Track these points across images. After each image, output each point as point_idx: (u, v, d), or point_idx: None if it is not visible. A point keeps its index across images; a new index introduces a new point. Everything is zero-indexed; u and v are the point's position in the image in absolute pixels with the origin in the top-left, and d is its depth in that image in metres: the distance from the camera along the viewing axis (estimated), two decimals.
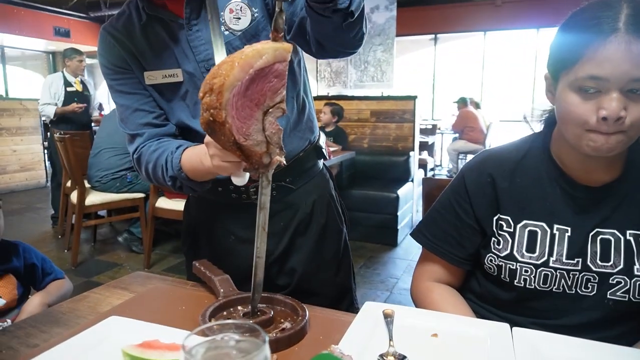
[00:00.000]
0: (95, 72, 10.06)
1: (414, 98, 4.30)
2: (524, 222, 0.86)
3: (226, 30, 0.91)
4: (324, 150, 1.11)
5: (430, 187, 1.31)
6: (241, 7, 0.90)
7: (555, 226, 0.85)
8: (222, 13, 0.90)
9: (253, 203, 0.80)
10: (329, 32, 0.78)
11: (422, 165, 5.21)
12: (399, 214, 3.88)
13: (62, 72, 4.33)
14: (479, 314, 0.93)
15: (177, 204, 3.05)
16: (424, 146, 5.50)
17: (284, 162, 0.72)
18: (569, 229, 0.84)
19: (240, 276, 0.97)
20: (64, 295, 1.14)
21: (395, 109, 4.35)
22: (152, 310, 0.85)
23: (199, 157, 0.86)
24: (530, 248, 0.86)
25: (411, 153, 4.30)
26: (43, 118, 4.24)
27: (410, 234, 1.01)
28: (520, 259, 0.86)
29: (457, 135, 7.12)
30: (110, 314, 0.79)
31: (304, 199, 1.05)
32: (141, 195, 3.41)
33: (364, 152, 4.41)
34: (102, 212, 4.18)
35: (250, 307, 0.80)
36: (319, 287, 1.06)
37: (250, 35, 0.91)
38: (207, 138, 0.75)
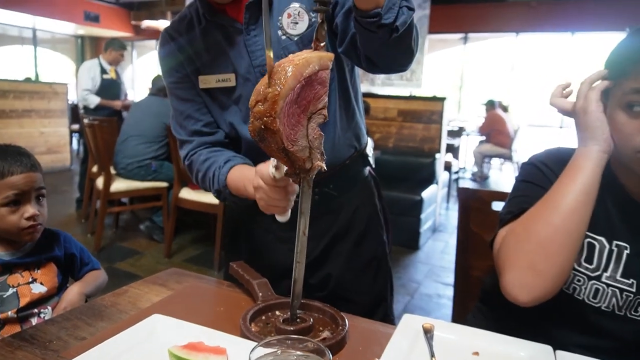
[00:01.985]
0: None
1: (442, 100, 4.26)
2: (586, 232, 0.84)
3: (283, 34, 0.91)
4: (370, 158, 1.11)
5: (467, 198, 1.30)
6: (299, 12, 0.90)
7: (615, 242, 0.84)
8: (280, 17, 0.91)
9: (295, 207, 0.81)
10: (376, 47, 0.79)
11: (447, 167, 5.15)
12: (422, 216, 3.86)
13: (99, 59, 4.41)
14: (521, 320, 0.91)
15: (200, 195, 3.09)
16: (449, 148, 5.44)
17: (324, 167, 0.73)
18: (628, 246, 0.83)
19: (276, 274, 0.99)
20: (99, 285, 1.17)
21: (423, 109, 4.31)
22: (191, 309, 0.86)
23: (243, 182, 0.89)
24: (589, 259, 0.85)
25: (437, 155, 4.26)
26: (82, 104, 4.31)
27: (503, 219, 0.89)
28: (576, 266, 0.85)
29: (483, 138, 7.02)
30: (152, 312, 0.81)
31: (346, 206, 1.05)
32: (165, 184, 3.46)
33: (389, 152, 4.39)
34: (125, 200, 4.27)
35: (289, 313, 0.80)
36: (354, 294, 1.07)
37: (308, 40, 0.91)
38: (256, 181, 0.78)
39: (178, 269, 1.06)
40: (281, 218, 0.82)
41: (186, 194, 3.18)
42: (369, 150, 1.11)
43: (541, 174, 0.90)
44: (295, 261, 0.79)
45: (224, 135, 1.01)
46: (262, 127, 0.63)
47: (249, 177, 0.86)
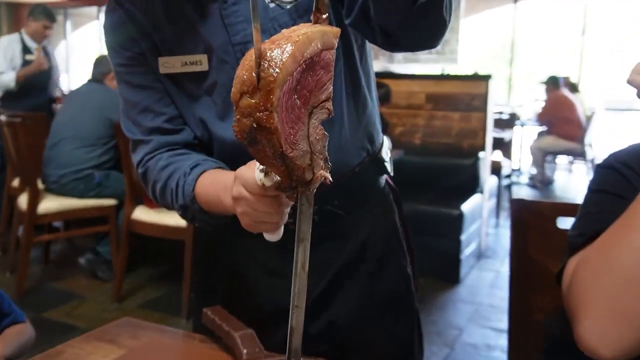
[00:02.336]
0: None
1: (487, 78, 4.26)
2: None
3: (272, 1, 0.92)
4: (387, 164, 1.12)
5: (523, 212, 1.31)
6: None
7: None
8: None
9: (288, 229, 0.81)
10: (395, 18, 0.79)
11: (495, 170, 5.16)
12: (462, 238, 3.85)
13: (20, 33, 4.43)
14: None
15: (162, 216, 3.11)
16: (497, 144, 5.44)
17: (329, 177, 0.73)
18: None
19: (265, 320, 0.99)
20: (24, 345, 1.17)
21: (460, 92, 4.32)
22: None
23: (217, 192, 0.89)
24: None
25: (481, 154, 4.26)
26: None
27: (573, 241, 0.90)
28: None
29: (544, 128, 7.02)
30: None
31: (356, 229, 1.06)
32: (112, 202, 3.48)
33: (415, 152, 4.38)
34: (58, 224, 4.28)
35: None
36: (369, 349, 1.07)
37: (304, 10, 0.92)
38: (237, 190, 0.78)
39: (133, 319, 1.06)
40: (271, 237, 0.82)
41: (142, 214, 3.20)
42: (385, 153, 1.12)
43: (623, 180, 0.90)
44: (293, 305, 0.79)
45: (192, 135, 1.02)
46: (254, 125, 0.64)
47: (226, 185, 0.85)
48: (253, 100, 0.62)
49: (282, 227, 0.81)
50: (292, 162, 0.68)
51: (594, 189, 0.94)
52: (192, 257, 3.02)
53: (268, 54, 0.64)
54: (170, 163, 0.98)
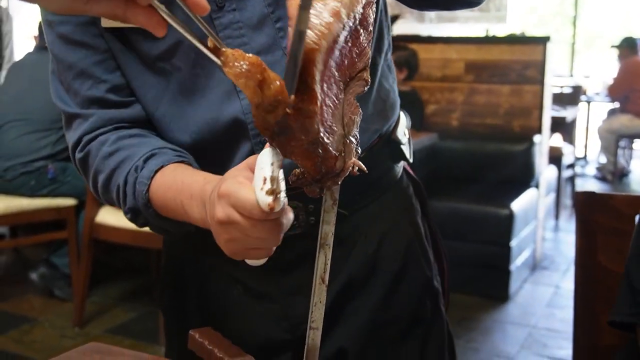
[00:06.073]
0: None
1: (544, 41, 4.25)
2: None
3: None
4: (403, 147, 1.11)
5: (591, 209, 1.30)
6: None
7: None
8: None
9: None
10: None
11: (555, 157, 5.14)
12: (513, 244, 3.85)
13: None
14: None
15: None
16: (557, 125, 5.42)
17: (364, 167, 0.74)
18: None
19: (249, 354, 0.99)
20: None
21: (510, 59, 4.31)
22: None
23: (179, 199, 0.85)
24: None
25: (536, 138, 4.26)
26: None
27: (620, 320, 0.99)
28: None
29: (617, 105, 6.98)
30: None
31: (364, 232, 1.06)
32: (71, 202, 3.50)
33: (453, 135, 4.39)
34: (3, 230, 4.31)
35: None
36: None
37: None
38: (224, 213, 0.72)
39: (101, 344, 1.07)
40: (255, 262, 0.81)
41: (108, 216, 3.22)
42: (402, 133, 1.11)
43: None
44: (309, 327, 0.79)
45: (143, 113, 1.00)
46: (287, 111, 0.64)
47: (192, 192, 0.83)
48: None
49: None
50: (325, 151, 0.69)
51: None
52: (161, 271, 3.03)
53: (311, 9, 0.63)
54: (117, 149, 0.95)
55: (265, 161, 0.67)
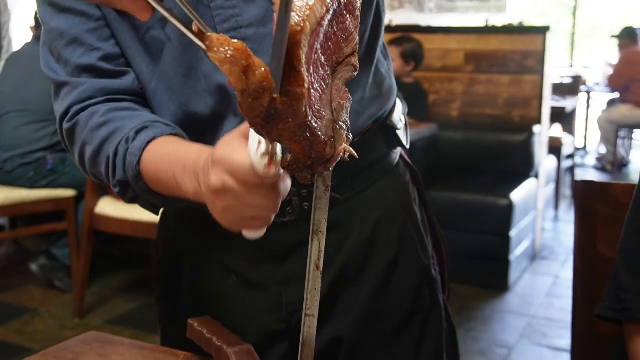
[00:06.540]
0: None
1: (544, 31, 4.24)
2: None
3: None
4: (399, 132, 1.11)
5: (591, 198, 1.30)
6: None
7: None
8: None
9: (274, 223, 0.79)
10: None
11: (554, 148, 5.15)
12: (512, 234, 3.87)
13: None
14: None
15: (131, 210, 3.12)
16: (557, 116, 5.42)
17: (354, 152, 0.72)
18: None
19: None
20: None
21: (509, 50, 4.31)
22: None
23: (172, 170, 0.83)
24: None
25: (536, 128, 4.26)
26: None
27: (605, 315, 1.00)
28: None
29: (617, 95, 6.97)
30: None
31: (359, 218, 1.06)
32: (70, 193, 3.51)
33: (453, 125, 4.39)
34: (3, 221, 4.32)
35: None
36: None
37: None
38: (219, 179, 0.71)
39: (100, 334, 1.07)
40: (253, 234, 0.78)
41: (108, 207, 3.22)
42: (399, 119, 1.10)
43: None
44: (304, 314, 0.79)
45: (136, 84, 0.99)
46: (274, 96, 0.63)
47: (186, 164, 0.81)
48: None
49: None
50: (314, 136, 0.68)
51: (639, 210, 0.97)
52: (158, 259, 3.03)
53: None
54: (108, 120, 0.93)
55: None
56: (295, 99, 0.63)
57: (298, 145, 0.68)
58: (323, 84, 0.68)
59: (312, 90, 0.65)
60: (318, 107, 0.67)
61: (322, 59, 0.67)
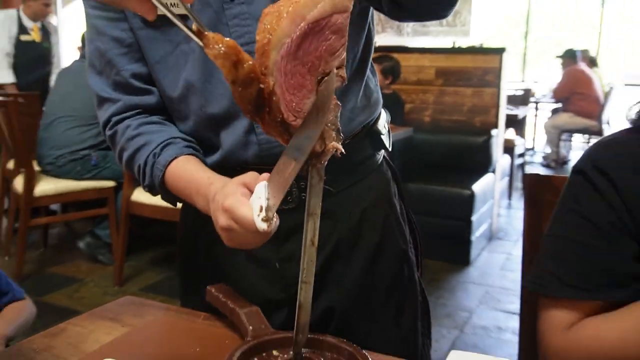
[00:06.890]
0: None
1: (500, 51, 4.26)
2: None
3: None
4: (383, 137, 1.11)
5: (538, 189, 1.30)
6: None
7: None
8: None
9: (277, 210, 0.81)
10: None
11: (508, 149, 5.16)
12: (473, 218, 3.89)
13: (18, 11, 4.40)
14: None
15: (159, 199, 3.09)
16: (511, 122, 5.43)
17: (342, 149, 0.74)
18: None
19: None
20: (25, 322, 1.19)
21: (472, 67, 4.31)
22: (157, 352, 0.89)
23: (189, 190, 0.91)
24: None
25: (494, 131, 4.27)
26: None
27: (529, 287, 1.01)
28: None
29: (560, 105, 6.99)
30: (101, 357, 0.83)
31: (349, 208, 1.06)
32: (111, 183, 3.51)
33: (425, 129, 4.40)
34: (56, 207, 4.32)
35: (292, 352, 0.83)
36: (369, 337, 1.06)
37: None
38: (226, 223, 0.76)
39: (135, 298, 1.09)
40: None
41: (141, 196, 3.23)
42: (383, 126, 1.11)
43: (594, 194, 0.89)
44: (301, 281, 0.80)
45: (160, 100, 1.01)
46: (261, 86, 0.65)
47: (199, 188, 0.88)
48: (255, 62, 0.64)
49: None
50: (293, 129, 0.70)
51: (564, 202, 0.96)
52: (178, 238, 3.04)
53: (266, 18, 0.65)
54: (139, 134, 0.98)
55: (262, 192, 0.72)
56: (266, 97, 0.66)
57: (282, 139, 0.71)
58: (303, 89, 0.68)
59: (288, 94, 0.67)
60: (299, 107, 0.68)
61: (301, 69, 0.67)
